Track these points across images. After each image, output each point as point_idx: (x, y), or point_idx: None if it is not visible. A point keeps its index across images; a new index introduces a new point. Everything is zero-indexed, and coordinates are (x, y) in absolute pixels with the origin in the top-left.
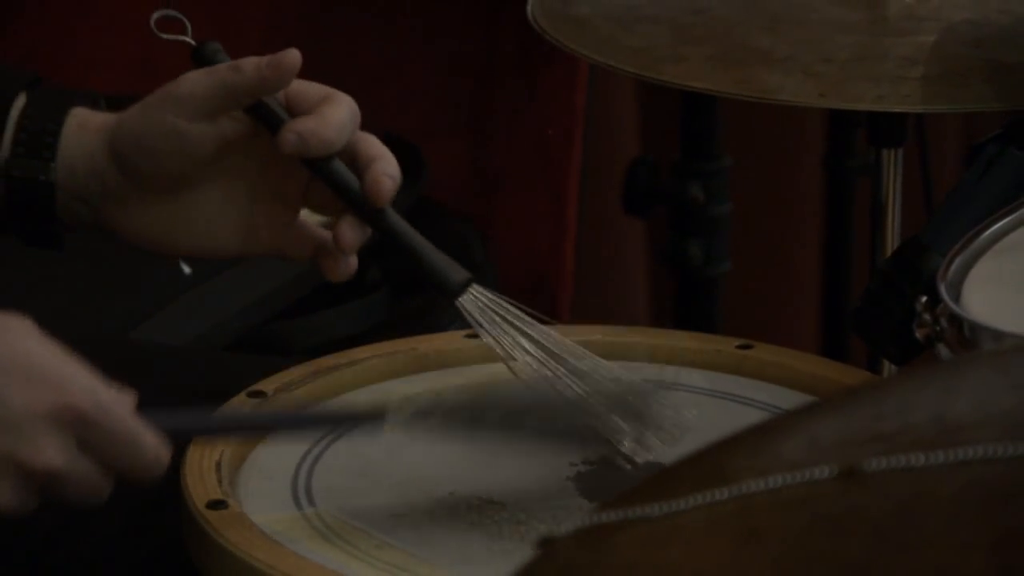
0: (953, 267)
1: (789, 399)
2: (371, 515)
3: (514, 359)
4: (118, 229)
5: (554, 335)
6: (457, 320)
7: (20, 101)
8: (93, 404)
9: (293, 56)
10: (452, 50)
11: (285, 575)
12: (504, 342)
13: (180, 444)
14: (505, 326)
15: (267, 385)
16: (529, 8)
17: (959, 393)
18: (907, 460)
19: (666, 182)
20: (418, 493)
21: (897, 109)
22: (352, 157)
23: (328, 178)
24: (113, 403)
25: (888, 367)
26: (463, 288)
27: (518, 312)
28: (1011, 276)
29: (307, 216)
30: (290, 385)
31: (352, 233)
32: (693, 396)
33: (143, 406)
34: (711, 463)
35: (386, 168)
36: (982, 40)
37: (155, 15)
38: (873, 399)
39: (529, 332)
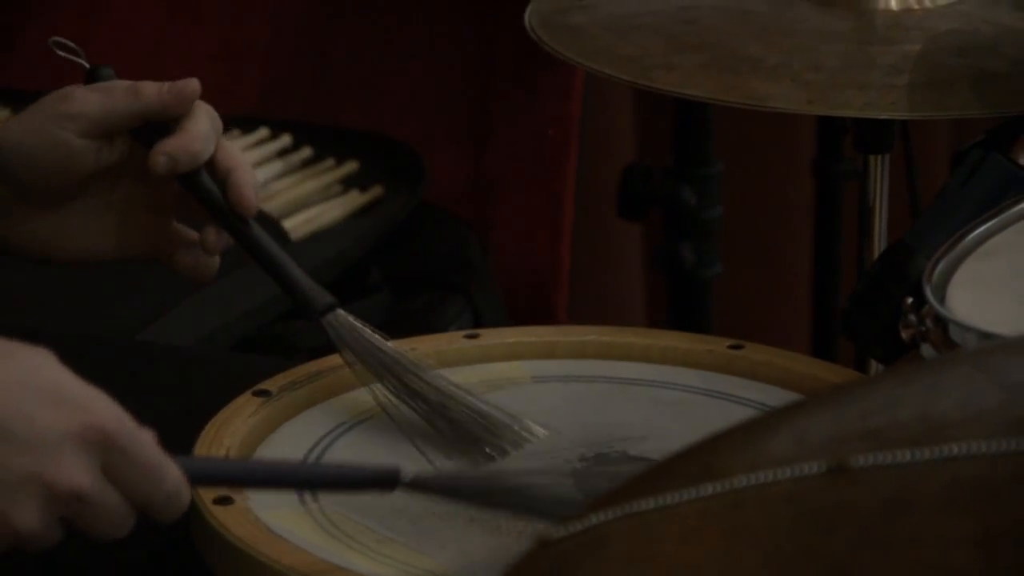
0: (938, 269)
1: (779, 397)
2: (372, 510)
3: (372, 379)
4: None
5: (407, 356)
6: (456, 321)
7: None
8: (120, 426)
9: (194, 85)
10: (451, 58)
11: (290, 569)
12: (366, 361)
13: (195, 486)
14: (367, 346)
15: (272, 384)
16: (527, 17)
17: (944, 391)
18: (893, 456)
19: (660, 187)
20: None
21: (883, 116)
22: (210, 166)
23: (194, 191)
24: (138, 429)
25: (875, 366)
26: (329, 309)
27: (377, 336)
28: (994, 278)
29: None
30: (294, 384)
31: (216, 238)
32: (686, 395)
33: (152, 408)
34: (703, 459)
35: (246, 179)
36: (966, 49)
37: (52, 40)
38: (861, 397)
39: (388, 352)
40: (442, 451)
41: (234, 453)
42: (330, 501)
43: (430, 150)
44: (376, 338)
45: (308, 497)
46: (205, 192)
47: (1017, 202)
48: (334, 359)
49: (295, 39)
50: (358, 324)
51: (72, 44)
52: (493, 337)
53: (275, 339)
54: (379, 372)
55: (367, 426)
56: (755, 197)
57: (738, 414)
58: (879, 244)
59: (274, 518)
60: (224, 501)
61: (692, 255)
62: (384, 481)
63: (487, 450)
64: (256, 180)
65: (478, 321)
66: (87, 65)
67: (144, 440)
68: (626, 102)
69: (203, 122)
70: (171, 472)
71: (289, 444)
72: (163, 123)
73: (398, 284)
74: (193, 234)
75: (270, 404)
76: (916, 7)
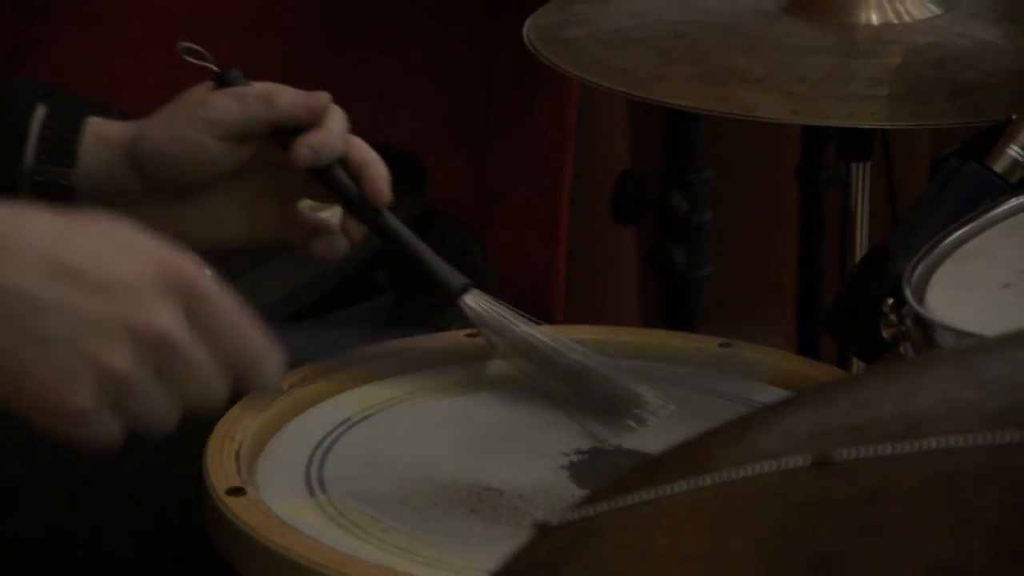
0: (917, 272)
1: (766, 394)
2: (378, 501)
3: (509, 355)
4: (141, 222)
5: (546, 334)
6: (458, 321)
7: (40, 112)
8: (200, 275)
9: (325, 99)
10: (453, 70)
11: (299, 557)
12: (505, 338)
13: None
14: (503, 324)
15: (284, 381)
16: (525, 32)
17: (923, 388)
18: (875, 450)
19: (652, 192)
20: (422, 481)
21: (865, 125)
22: (343, 160)
23: (331, 183)
24: (222, 293)
25: (857, 364)
26: (464, 290)
27: (513, 313)
28: (971, 280)
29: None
30: (304, 381)
31: (355, 226)
32: (678, 391)
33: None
34: (694, 453)
35: (380, 172)
36: (944, 62)
37: (181, 45)
38: (844, 394)
39: (526, 330)
40: (590, 418)
41: (245, 447)
42: (338, 493)
43: (433, 157)
44: (509, 315)
45: (317, 489)
46: (340, 184)
47: (992, 207)
48: (343, 357)
49: (305, 53)
50: (493, 303)
51: (200, 49)
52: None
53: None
54: (518, 348)
55: (371, 421)
56: (743, 202)
57: (727, 410)
58: (861, 247)
59: (284, 508)
60: (236, 492)
61: (683, 257)
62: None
63: (628, 421)
64: (388, 173)
65: None
66: (216, 70)
67: (227, 295)
68: (620, 112)
69: (339, 120)
70: (255, 329)
71: (298, 438)
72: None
73: (403, 285)
74: (318, 219)
75: (280, 400)
76: (895, 22)
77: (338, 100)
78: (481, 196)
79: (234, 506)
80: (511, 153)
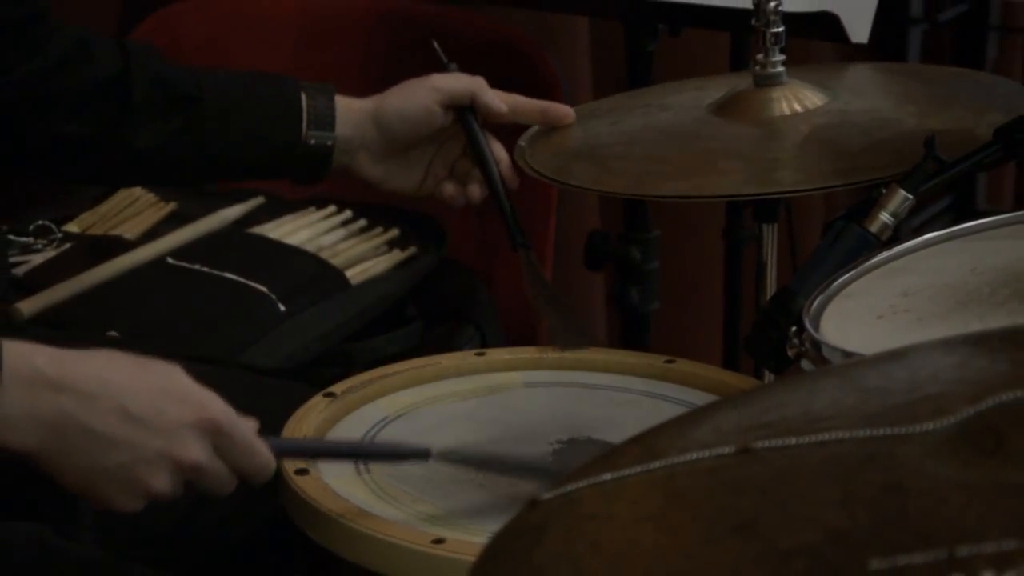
0: (814, 306)
1: (701, 399)
2: (410, 479)
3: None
4: (359, 172)
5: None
6: (468, 343)
7: (304, 96)
8: (226, 419)
9: (569, 113)
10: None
11: (350, 522)
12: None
13: (278, 456)
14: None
15: (337, 388)
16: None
17: (818, 394)
18: (783, 441)
19: (614, 247)
20: (443, 465)
21: (773, 196)
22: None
23: (481, 160)
24: (240, 423)
25: (768, 376)
26: (526, 247)
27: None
28: (854, 313)
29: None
30: (353, 388)
31: (479, 192)
32: (634, 396)
33: (257, 406)
34: (647, 443)
35: (509, 164)
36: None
37: (433, 42)
38: (759, 399)
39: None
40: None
41: (309, 437)
42: (379, 472)
43: (450, 221)
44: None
45: (363, 468)
46: (488, 162)
47: (869, 258)
48: (382, 370)
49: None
50: (537, 264)
51: (438, 48)
52: (495, 354)
53: (340, 356)
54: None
55: (402, 419)
56: (682, 255)
57: (671, 411)
58: (770, 288)
59: (338, 484)
60: (302, 472)
61: (637, 296)
62: (418, 454)
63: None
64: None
65: (484, 343)
66: (445, 60)
67: (243, 429)
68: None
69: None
70: (261, 451)
71: (349, 431)
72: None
73: (427, 317)
74: (455, 188)
75: (335, 402)
76: (800, 110)
77: None
78: (486, 250)
79: (301, 483)
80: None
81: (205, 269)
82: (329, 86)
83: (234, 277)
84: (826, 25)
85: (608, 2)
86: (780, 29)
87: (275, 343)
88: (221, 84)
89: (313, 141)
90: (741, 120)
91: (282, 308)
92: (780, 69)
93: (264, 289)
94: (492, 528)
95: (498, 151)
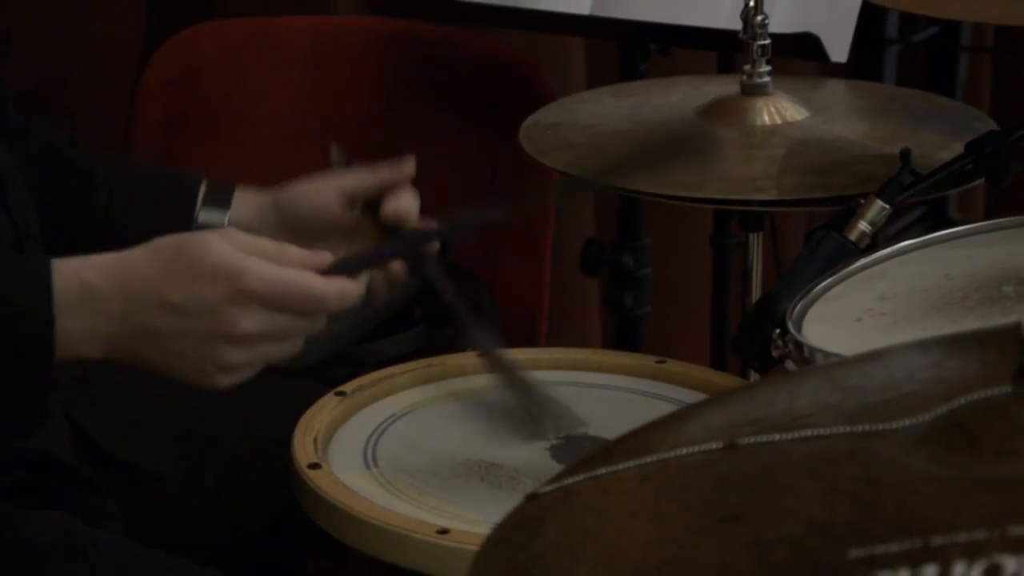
0: (796, 310)
1: (690, 397)
2: (415, 473)
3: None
4: None
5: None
6: (471, 346)
7: (204, 183)
8: (260, 284)
9: (403, 175)
10: (469, 163)
11: (360, 513)
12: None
13: (358, 271)
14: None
15: (348, 387)
16: (520, 135)
17: (801, 393)
18: (768, 437)
19: (609, 254)
20: (445, 459)
21: (757, 208)
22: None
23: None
24: (277, 277)
25: (754, 375)
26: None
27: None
28: (834, 317)
29: None
30: (362, 387)
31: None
32: (627, 395)
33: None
34: (640, 439)
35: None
36: (816, 152)
37: (333, 144)
38: (745, 397)
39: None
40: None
41: (321, 435)
42: (387, 467)
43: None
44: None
45: (371, 464)
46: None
47: (848, 264)
48: (390, 370)
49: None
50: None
51: (338, 149)
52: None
53: (350, 357)
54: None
55: (409, 416)
56: (673, 261)
57: (662, 409)
58: (756, 293)
59: (348, 478)
60: (314, 467)
61: (630, 300)
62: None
63: (551, 427)
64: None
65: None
66: (336, 158)
67: (286, 281)
68: (585, 195)
69: (408, 193)
70: (319, 287)
71: (359, 427)
72: (379, 198)
73: (432, 320)
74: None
75: (346, 400)
76: (780, 122)
77: None
78: (488, 256)
79: (313, 477)
80: (509, 227)
81: None
82: (231, 184)
83: None
84: (808, 45)
85: (602, 24)
86: (767, 41)
87: None
88: (117, 166)
89: (202, 218)
90: (725, 124)
91: (262, 271)
92: (767, 79)
93: None
94: (493, 519)
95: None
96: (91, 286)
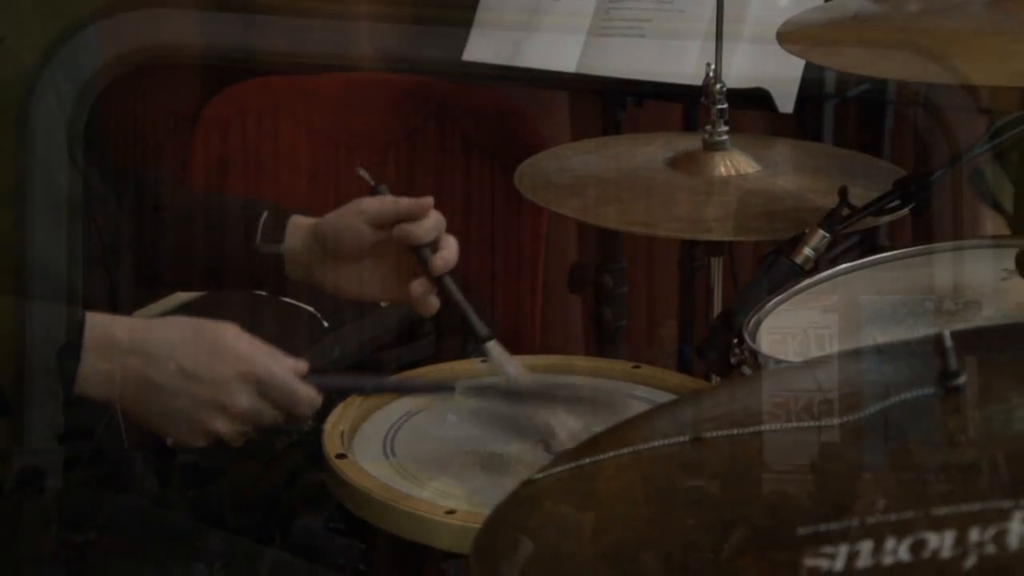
0: (751, 323)
1: (662, 397)
2: (427, 462)
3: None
4: (318, 283)
5: (527, 376)
6: (475, 352)
7: (264, 212)
8: (265, 371)
9: (428, 203)
10: (473, 199)
11: (380, 495)
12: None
13: (327, 394)
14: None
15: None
16: (515, 177)
17: (756, 394)
18: (729, 431)
19: (592, 275)
20: (453, 450)
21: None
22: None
23: (422, 258)
24: (278, 372)
25: (716, 379)
26: (489, 337)
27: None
28: (784, 329)
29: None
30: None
31: (424, 290)
32: (606, 396)
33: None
34: (619, 433)
35: (450, 253)
36: (765, 200)
37: (358, 168)
38: (709, 397)
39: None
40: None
41: (347, 429)
42: (403, 456)
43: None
44: (513, 365)
45: (390, 454)
46: (426, 259)
47: (795, 284)
48: (406, 374)
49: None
50: (502, 351)
51: (367, 173)
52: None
53: (374, 362)
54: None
55: (422, 414)
56: (645, 282)
57: (637, 407)
58: (717, 308)
59: (370, 466)
60: (341, 456)
61: (610, 314)
62: (443, 389)
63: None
64: (454, 255)
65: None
66: (372, 184)
67: (281, 376)
68: (572, 226)
69: (451, 240)
70: (300, 391)
71: (379, 423)
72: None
73: (440, 332)
74: (421, 288)
75: (368, 400)
76: (735, 174)
77: None
78: (488, 277)
79: (340, 465)
80: (507, 250)
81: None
82: (287, 213)
83: (290, 300)
84: (759, 98)
85: (585, 79)
86: (724, 106)
87: (320, 352)
88: (198, 200)
89: (264, 249)
90: (688, 174)
91: (325, 324)
92: (724, 138)
93: (311, 309)
94: (494, 501)
95: (445, 239)
96: (116, 339)
